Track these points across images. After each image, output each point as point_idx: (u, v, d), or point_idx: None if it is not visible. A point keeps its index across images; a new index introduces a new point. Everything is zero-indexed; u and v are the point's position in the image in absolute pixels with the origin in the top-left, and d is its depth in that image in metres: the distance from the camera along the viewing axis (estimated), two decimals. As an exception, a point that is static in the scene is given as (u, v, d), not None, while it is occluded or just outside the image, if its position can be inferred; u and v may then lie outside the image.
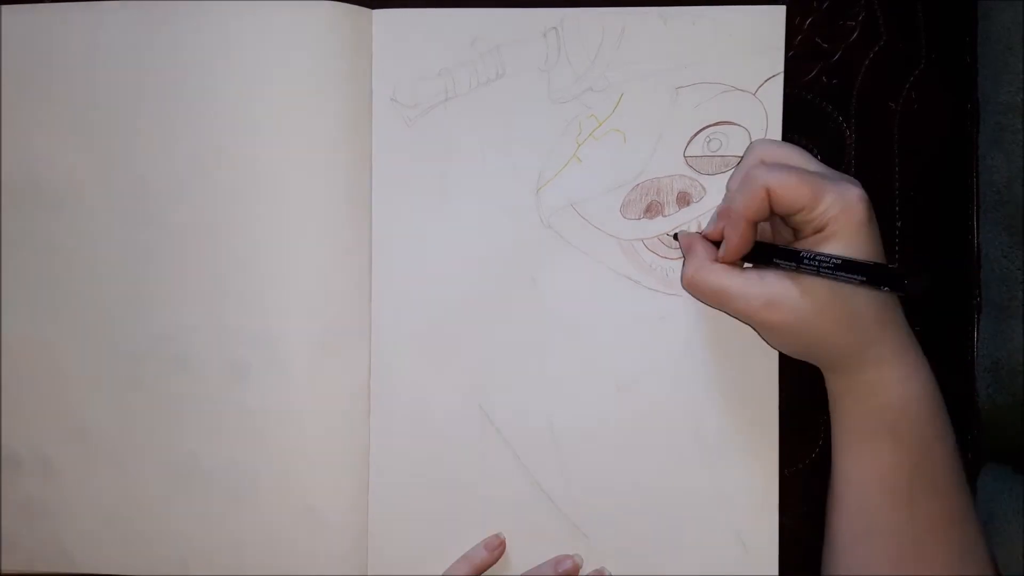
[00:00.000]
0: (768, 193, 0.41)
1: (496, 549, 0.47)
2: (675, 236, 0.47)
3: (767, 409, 0.47)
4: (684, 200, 0.47)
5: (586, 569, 0.48)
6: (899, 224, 0.49)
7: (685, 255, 0.45)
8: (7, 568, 0.49)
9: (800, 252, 0.41)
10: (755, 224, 0.42)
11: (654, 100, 0.47)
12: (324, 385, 0.47)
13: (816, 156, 0.48)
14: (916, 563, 0.42)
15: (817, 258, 0.40)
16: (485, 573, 0.48)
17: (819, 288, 0.41)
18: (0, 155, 0.48)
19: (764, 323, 0.42)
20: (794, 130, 0.47)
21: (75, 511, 0.49)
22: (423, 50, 0.47)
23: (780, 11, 0.46)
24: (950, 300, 0.50)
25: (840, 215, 0.40)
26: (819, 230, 0.41)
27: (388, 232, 0.48)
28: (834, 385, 0.44)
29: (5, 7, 0.48)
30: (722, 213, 0.43)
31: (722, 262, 0.43)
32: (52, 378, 0.49)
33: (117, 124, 0.48)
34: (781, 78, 0.46)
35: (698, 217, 0.47)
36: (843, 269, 0.39)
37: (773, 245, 0.43)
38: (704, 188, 0.47)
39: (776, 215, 0.42)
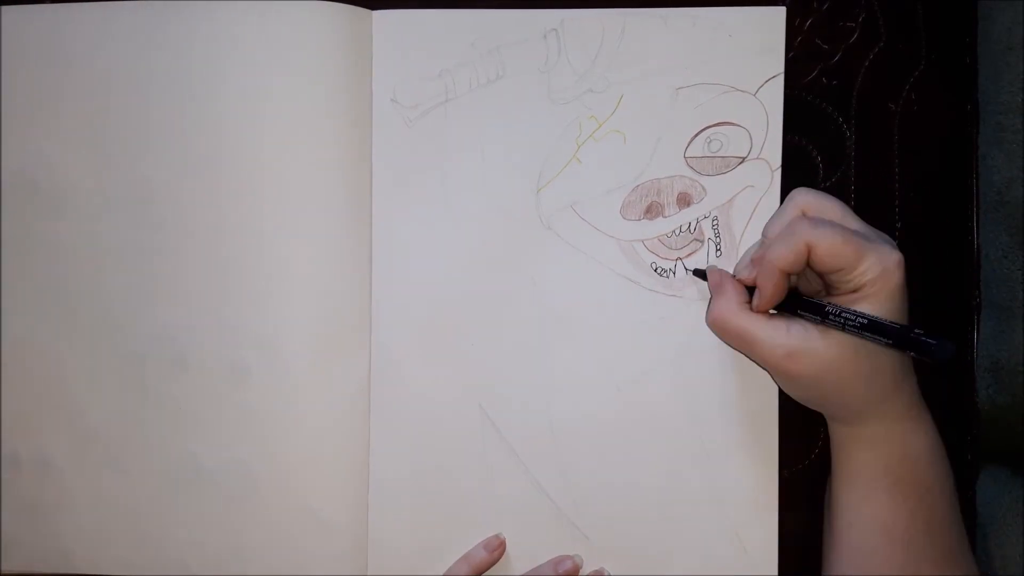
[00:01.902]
0: (809, 249, 0.41)
1: (496, 550, 0.47)
2: (696, 272, 0.47)
3: (767, 410, 0.47)
4: (684, 201, 0.47)
5: (586, 569, 0.48)
6: (899, 224, 0.49)
7: (713, 293, 0.45)
8: (7, 568, 0.49)
9: (826, 307, 0.41)
10: (790, 276, 0.42)
11: (654, 101, 0.47)
12: (324, 385, 0.47)
13: (816, 157, 0.48)
14: None
15: (843, 315, 0.40)
16: (485, 573, 0.48)
17: (843, 344, 0.41)
18: (1, 156, 0.48)
19: (785, 372, 0.42)
20: (794, 131, 0.47)
21: (75, 511, 0.49)
22: (423, 51, 0.47)
23: (780, 12, 0.46)
24: (950, 300, 0.50)
25: (878, 279, 0.40)
26: (855, 290, 0.41)
27: (388, 232, 0.48)
28: (840, 433, 0.45)
29: (5, 7, 0.48)
30: (757, 260, 0.43)
31: (755, 311, 0.43)
32: (52, 379, 0.49)
33: (117, 125, 0.47)
34: (781, 79, 0.46)
35: (698, 218, 0.47)
36: (869, 330, 0.40)
37: (800, 296, 0.43)
38: (704, 189, 0.47)
39: (811, 269, 0.42)
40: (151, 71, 0.47)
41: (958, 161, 0.49)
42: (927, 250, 0.49)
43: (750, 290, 0.44)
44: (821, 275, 0.42)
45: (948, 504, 0.43)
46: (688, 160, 0.47)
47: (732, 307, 0.43)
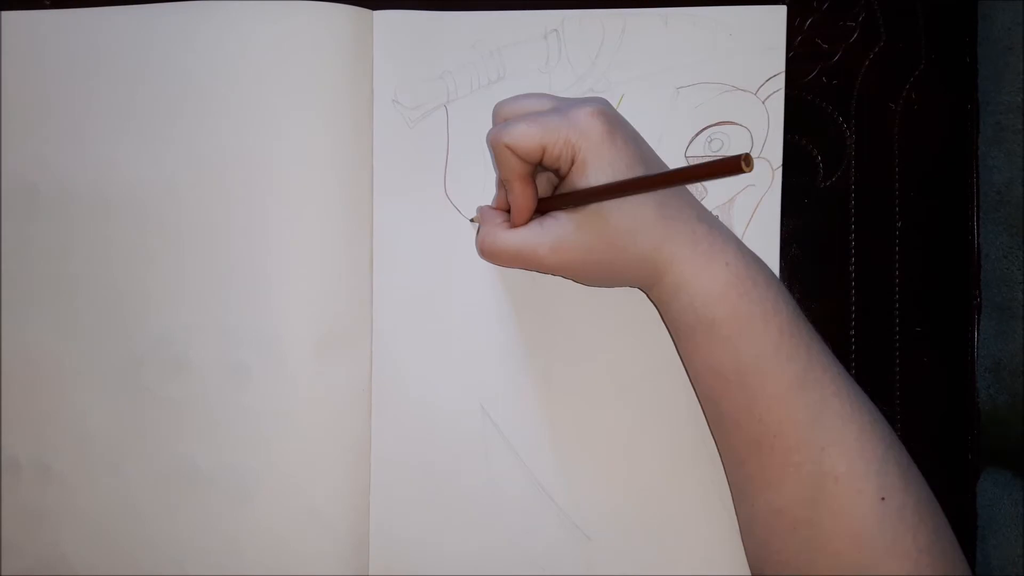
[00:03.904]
0: (510, 149, 0.41)
1: None
2: (473, 220, 0.48)
3: (768, 409, 0.47)
4: (685, 200, 0.47)
5: (587, 570, 0.48)
6: (899, 224, 0.49)
7: (480, 226, 0.46)
8: (7, 572, 0.49)
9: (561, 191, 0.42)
10: (527, 180, 0.43)
11: (655, 100, 0.47)
12: (325, 386, 0.47)
13: (816, 157, 0.48)
14: (763, 442, 0.41)
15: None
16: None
17: (592, 214, 0.41)
18: (1, 158, 0.48)
19: (558, 266, 0.42)
20: (794, 130, 0.47)
21: (75, 515, 0.49)
22: (424, 52, 0.47)
23: (781, 11, 0.47)
24: (950, 300, 0.50)
25: (580, 141, 0.40)
26: (571, 163, 0.41)
27: (389, 233, 0.48)
28: (651, 298, 0.44)
29: (5, 12, 0.48)
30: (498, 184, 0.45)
31: (514, 226, 0.44)
32: (51, 382, 0.48)
33: (116, 127, 0.47)
34: (782, 78, 0.46)
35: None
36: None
37: (552, 197, 0.44)
38: (705, 188, 0.47)
39: (532, 164, 0.42)
40: (150, 73, 0.47)
41: (958, 161, 0.49)
42: (927, 250, 0.49)
43: None
44: (544, 167, 0.43)
45: (787, 332, 0.41)
46: (689, 159, 0.47)
47: (491, 229, 0.44)
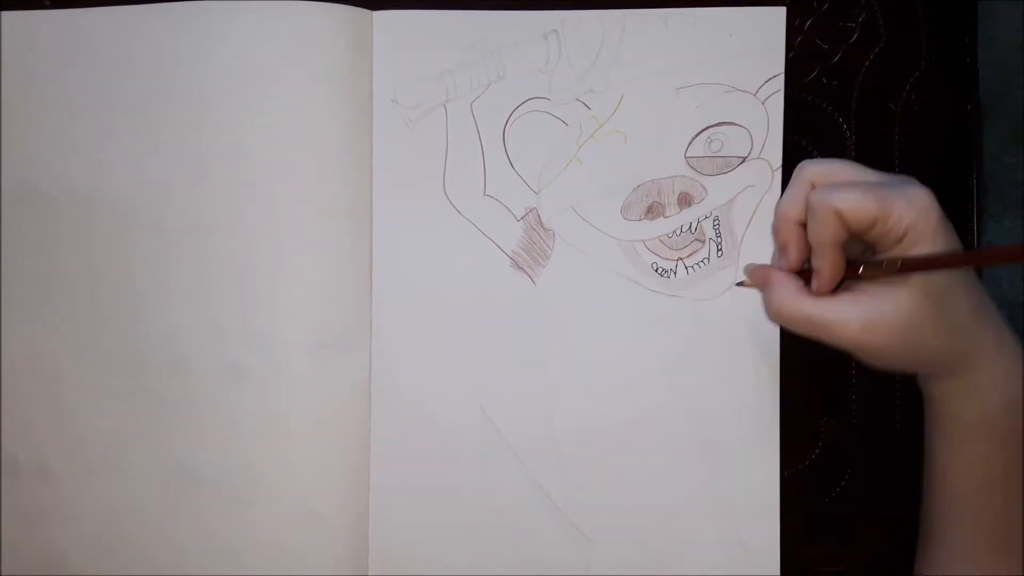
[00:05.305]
0: (838, 215, 0.39)
1: None
2: (739, 284, 0.44)
3: (768, 410, 0.47)
4: (685, 201, 0.47)
5: (588, 570, 0.48)
6: (899, 225, 0.49)
7: (764, 287, 0.43)
8: (6, 573, 0.49)
9: (888, 259, 0.39)
10: (840, 248, 0.40)
11: (655, 101, 0.47)
12: (324, 386, 0.47)
13: (816, 157, 0.49)
14: (1009, 552, 0.41)
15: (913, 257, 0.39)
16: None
17: (914, 298, 0.39)
18: (0, 158, 0.48)
19: (867, 346, 0.40)
20: (794, 131, 0.47)
21: (73, 517, 0.49)
22: (424, 52, 0.47)
23: (780, 12, 0.47)
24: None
25: (916, 221, 0.39)
26: (898, 240, 0.39)
27: (389, 233, 0.48)
28: (936, 389, 0.42)
29: (5, 12, 0.48)
30: (783, 245, 0.42)
31: (819, 294, 0.41)
32: (49, 383, 0.48)
33: (116, 127, 0.47)
34: (782, 78, 0.46)
35: (699, 218, 0.47)
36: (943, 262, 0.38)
37: (858, 261, 0.41)
38: (705, 189, 0.47)
39: (851, 235, 0.40)
40: (150, 73, 0.47)
41: (958, 161, 0.49)
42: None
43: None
44: (861, 237, 0.40)
45: None
46: (689, 160, 0.47)
47: (791, 295, 0.41)
